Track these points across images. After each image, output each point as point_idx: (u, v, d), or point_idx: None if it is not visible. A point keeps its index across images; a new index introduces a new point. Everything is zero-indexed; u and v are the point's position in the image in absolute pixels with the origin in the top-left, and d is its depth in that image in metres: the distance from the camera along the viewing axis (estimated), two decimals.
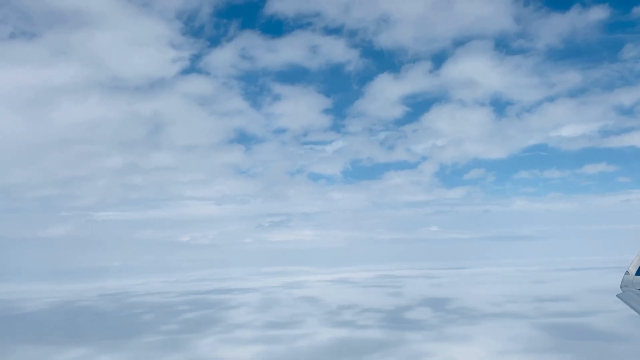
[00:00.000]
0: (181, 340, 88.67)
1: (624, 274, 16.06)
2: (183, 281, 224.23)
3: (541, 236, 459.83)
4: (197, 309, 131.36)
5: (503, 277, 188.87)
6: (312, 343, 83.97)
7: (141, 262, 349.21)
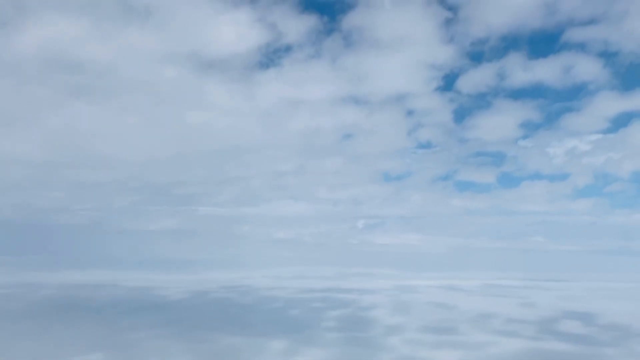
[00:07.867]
0: (363, 338, 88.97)
1: None
2: (283, 277, 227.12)
3: None
4: (335, 308, 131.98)
5: (633, 294, 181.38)
6: (502, 351, 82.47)
7: (236, 256, 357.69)
